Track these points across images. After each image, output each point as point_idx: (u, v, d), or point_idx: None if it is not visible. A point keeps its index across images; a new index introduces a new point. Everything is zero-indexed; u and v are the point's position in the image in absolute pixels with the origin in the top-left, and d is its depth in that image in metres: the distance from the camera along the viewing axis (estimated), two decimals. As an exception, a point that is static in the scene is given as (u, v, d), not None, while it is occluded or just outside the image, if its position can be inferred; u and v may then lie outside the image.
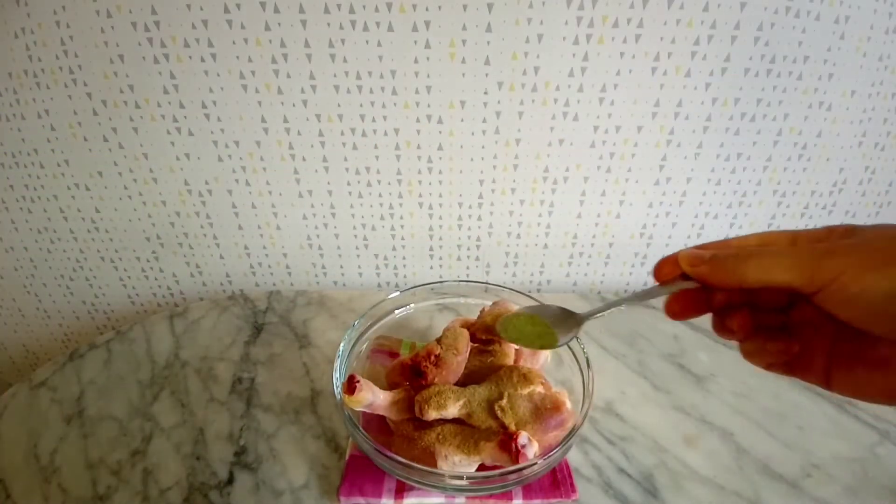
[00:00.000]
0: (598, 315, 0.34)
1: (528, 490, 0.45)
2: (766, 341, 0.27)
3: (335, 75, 0.60)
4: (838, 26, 0.57)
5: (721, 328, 0.28)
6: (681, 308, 0.28)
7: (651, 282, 0.29)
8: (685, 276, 0.27)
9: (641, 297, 0.29)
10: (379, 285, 0.79)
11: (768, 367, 0.27)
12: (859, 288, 0.21)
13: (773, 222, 0.72)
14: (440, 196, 0.69)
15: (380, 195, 0.69)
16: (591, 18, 0.56)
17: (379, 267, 0.76)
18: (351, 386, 0.42)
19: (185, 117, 0.63)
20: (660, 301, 0.29)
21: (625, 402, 0.55)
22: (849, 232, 0.24)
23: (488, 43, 0.57)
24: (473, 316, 0.52)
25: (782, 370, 0.27)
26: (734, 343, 0.29)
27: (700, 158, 0.66)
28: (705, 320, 0.30)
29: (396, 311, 0.56)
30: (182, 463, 0.48)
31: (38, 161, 0.67)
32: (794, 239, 0.26)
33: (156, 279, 0.78)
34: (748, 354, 0.28)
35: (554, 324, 0.38)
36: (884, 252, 0.22)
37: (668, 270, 0.28)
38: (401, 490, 0.45)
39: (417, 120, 0.63)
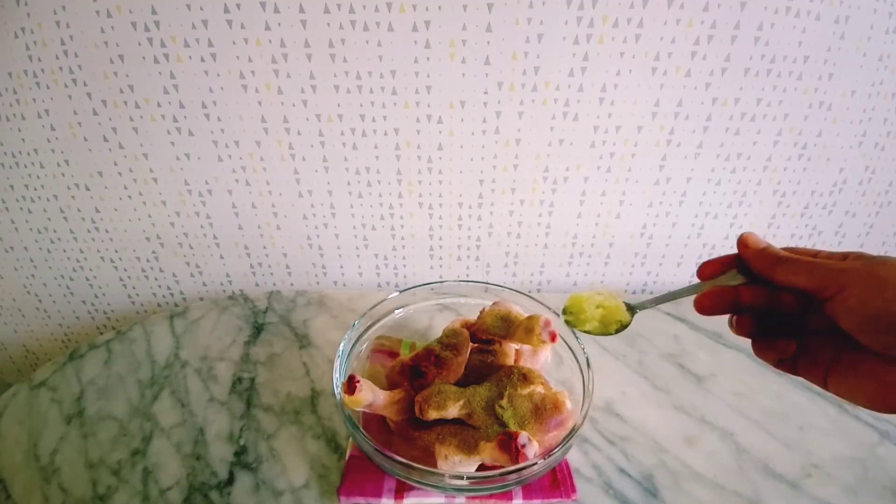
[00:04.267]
0: (651, 306, 0.37)
1: (528, 490, 0.45)
2: (774, 341, 0.31)
3: (335, 75, 0.60)
4: (838, 26, 0.57)
5: (733, 326, 0.32)
6: (710, 303, 0.32)
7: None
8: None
9: (691, 290, 0.34)
10: (379, 285, 0.79)
11: (776, 364, 0.32)
12: (857, 302, 0.26)
13: (773, 222, 0.72)
14: (440, 196, 0.69)
15: (380, 195, 0.69)
16: (591, 18, 0.56)
17: (379, 267, 0.76)
18: (351, 386, 0.42)
19: (185, 117, 0.63)
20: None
21: (625, 402, 0.55)
22: (861, 257, 0.29)
23: (488, 43, 0.57)
24: (473, 316, 0.52)
25: (789, 369, 0.32)
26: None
27: (700, 158, 0.66)
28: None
29: (396, 311, 0.56)
30: (182, 463, 0.48)
31: (38, 161, 0.67)
32: (816, 254, 0.30)
33: (156, 279, 0.78)
34: (757, 351, 0.32)
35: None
36: (882, 279, 0.26)
37: (712, 270, 0.33)
38: (401, 490, 0.45)
39: (417, 120, 0.63)
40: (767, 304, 0.31)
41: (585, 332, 0.39)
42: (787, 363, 0.32)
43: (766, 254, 0.31)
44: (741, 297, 0.31)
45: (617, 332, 0.38)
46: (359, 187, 0.68)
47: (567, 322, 0.40)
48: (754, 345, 0.32)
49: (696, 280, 0.34)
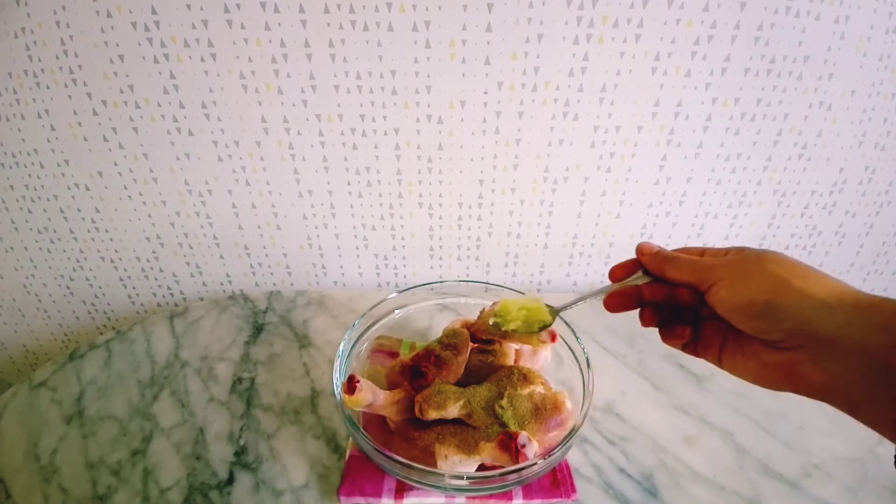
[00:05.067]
0: (569, 308, 0.42)
1: (528, 490, 0.45)
2: (675, 328, 0.35)
3: (335, 75, 0.60)
4: (838, 26, 0.57)
5: (641, 318, 0.36)
6: (617, 302, 0.36)
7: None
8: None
9: (604, 291, 0.37)
10: (379, 285, 0.79)
11: (682, 348, 0.36)
12: (728, 293, 0.30)
13: (773, 222, 0.72)
14: (440, 196, 0.69)
15: (380, 195, 0.69)
16: (591, 18, 0.56)
17: (379, 267, 0.76)
18: (351, 386, 0.42)
19: (185, 117, 0.63)
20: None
21: (625, 402, 0.55)
22: (739, 252, 0.32)
23: (488, 43, 0.57)
24: (473, 316, 0.52)
25: (692, 352, 0.35)
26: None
27: (700, 158, 0.66)
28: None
29: (396, 311, 0.56)
30: (182, 463, 0.48)
31: (38, 161, 0.67)
32: (703, 252, 0.34)
33: (156, 279, 0.78)
34: (663, 337, 0.36)
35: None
36: (748, 271, 0.30)
37: (621, 273, 0.37)
38: (401, 490, 0.45)
39: (417, 120, 0.63)
40: (667, 298, 0.35)
41: (511, 330, 0.43)
42: (690, 347, 0.35)
43: (658, 256, 0.35)
44: (643, 294, 0.36)
45: (540, 329, 0.43)
46: (359, 187, 0.68)
47: (495, 323, 0.44)
48: (660, 333, 0.36)
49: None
